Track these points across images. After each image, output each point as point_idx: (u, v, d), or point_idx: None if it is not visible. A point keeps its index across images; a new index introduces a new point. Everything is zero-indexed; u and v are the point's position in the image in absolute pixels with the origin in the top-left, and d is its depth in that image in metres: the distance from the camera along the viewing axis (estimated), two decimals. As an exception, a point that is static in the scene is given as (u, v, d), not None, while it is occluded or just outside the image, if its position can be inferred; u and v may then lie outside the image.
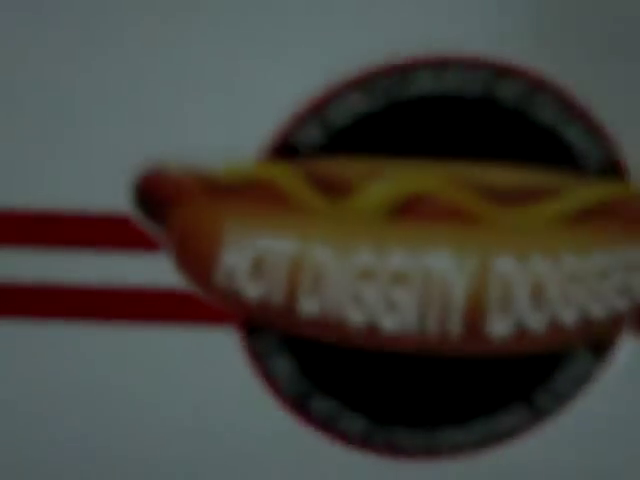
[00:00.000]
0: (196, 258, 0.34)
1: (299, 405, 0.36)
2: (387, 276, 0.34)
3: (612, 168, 0.35)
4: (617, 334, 0.36)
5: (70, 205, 0.33)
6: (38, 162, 0.33)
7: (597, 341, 0.36)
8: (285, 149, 0.34)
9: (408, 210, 0.34)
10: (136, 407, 0.35)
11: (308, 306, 0.34)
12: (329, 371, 0.36)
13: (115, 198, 0.33)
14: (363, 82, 0.33)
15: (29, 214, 0.33)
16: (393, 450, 0.36)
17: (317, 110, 0.33)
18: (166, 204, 0.34)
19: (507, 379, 0.36)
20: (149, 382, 0.35)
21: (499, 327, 0.35)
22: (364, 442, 0.36)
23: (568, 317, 0.35)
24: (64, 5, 0.33)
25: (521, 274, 0.35)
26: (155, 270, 0.34)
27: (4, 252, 0.33)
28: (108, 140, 0.33)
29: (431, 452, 0.37)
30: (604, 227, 0.35)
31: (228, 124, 0.33)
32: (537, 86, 0.34)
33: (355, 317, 0.35)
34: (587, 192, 0.35)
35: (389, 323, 0.35)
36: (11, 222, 0.33)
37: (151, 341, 0.34)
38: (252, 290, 0.34)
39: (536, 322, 0.35)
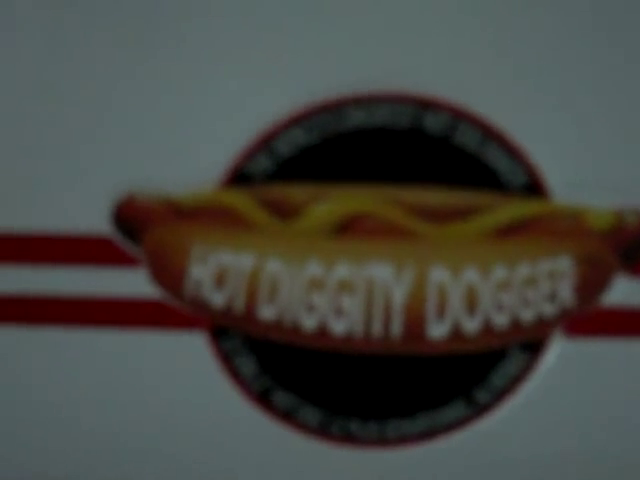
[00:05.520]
0: (168, 272, 0.39)
1: (262, 399, 0.41)
2: (335, 285, 0.39)
3: (533, 188, 0.39)
4: (546, 336, 0.40)
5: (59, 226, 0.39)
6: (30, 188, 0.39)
7: (529, 342, 0.40)
8: (240, 177, 0.39)
9: (349, 228, 0.39)
10: (115, 403, 0.40)
11: (266, 313, 0.39)
12: (288, 368, 0.41)
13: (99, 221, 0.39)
14: (304, 118, 0.38)
15: (24, 234, 0.39)
16: (348, 440, 0.41)
17: (266, 143, 0.38)
18: (140, 227, 0.39)
19: (448, 377, 0.41)
20: (129, 380, 0.40)
21: (437, 330, 0.39)
22: (321, 432, 0.41)
23: (500, 321, 0.40)
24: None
25: (455, 283, 0.39)
26: (133, 283, 0.39)
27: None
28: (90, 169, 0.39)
29: (382, 441, 0.41)
30: (528, 240, 0.39)
31: (190, 156, 0.38)
32: (460, 115, 0.38)
33: (308, 322, 0.39)
34: (511, 209, 0.39)
35: (338, 327, 0.40)
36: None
37: (130, 344, 0.40)
38: (217, 299, 0.39)
39: (470, 326, 0.40)
